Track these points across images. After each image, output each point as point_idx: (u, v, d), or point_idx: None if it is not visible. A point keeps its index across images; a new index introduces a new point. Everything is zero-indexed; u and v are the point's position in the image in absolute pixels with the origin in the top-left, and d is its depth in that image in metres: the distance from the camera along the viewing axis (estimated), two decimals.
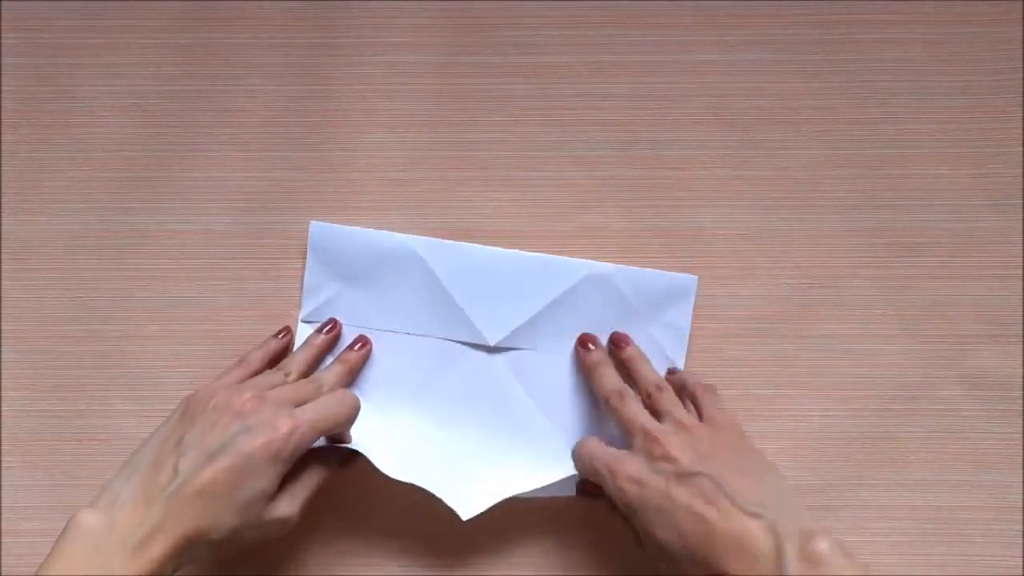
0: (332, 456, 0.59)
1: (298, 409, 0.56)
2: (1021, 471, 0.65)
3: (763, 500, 0.53)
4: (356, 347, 0.64)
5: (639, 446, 0.56)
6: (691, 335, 0.65)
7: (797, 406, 0.65)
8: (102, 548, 0.50)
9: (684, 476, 0.54)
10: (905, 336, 0.66)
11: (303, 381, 0.60)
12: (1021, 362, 0.65)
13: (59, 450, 0.65)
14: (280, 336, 0.64)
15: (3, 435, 0.65)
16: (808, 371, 0.65)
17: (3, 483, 0.65)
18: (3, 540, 0.64)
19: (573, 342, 0.65)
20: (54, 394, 0.65)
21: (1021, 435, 0.65)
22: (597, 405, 0.64)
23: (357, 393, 0.61)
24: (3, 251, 0.66)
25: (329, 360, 0.65)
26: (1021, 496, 0.65)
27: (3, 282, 0.66)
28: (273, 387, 0.58)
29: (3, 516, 0.64)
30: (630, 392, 0.60)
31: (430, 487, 0.59)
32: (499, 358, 0.65)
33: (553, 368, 0.65)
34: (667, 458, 0.55)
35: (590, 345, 0.64)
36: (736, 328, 0.66)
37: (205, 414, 0.55)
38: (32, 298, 0.66)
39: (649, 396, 0.60)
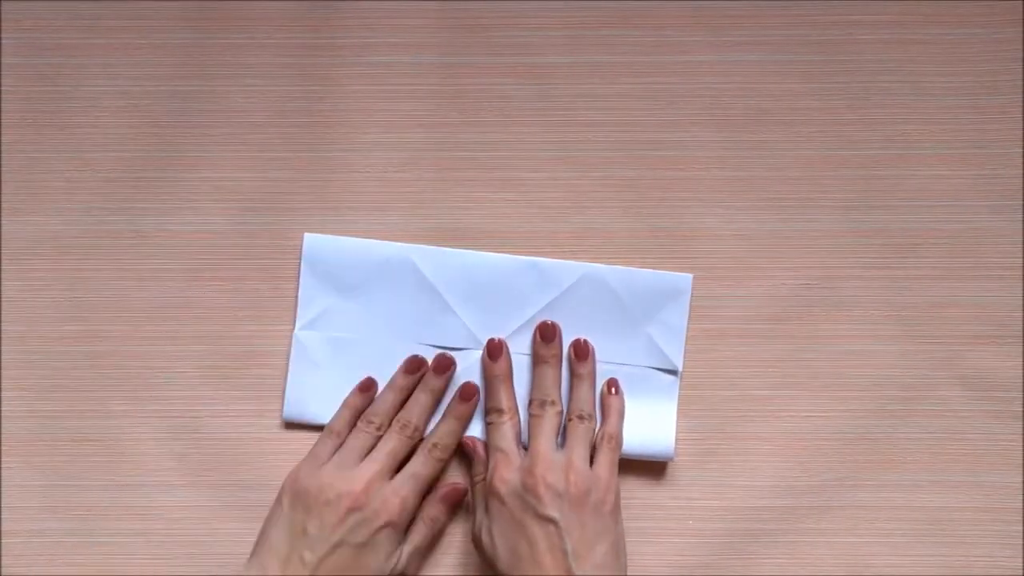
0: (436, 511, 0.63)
1: (400, 482, 0.61)
2: (1020, 472, 0.65)
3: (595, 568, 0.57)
4: (467, 399, 0.64)
5: (525, 467, 0.60)
6: (688, 336, 0.65)
7: (794, 406, 0.65)
8: None
9: (541, 516, 0.58)
10: (903, 337, 0.65)
11: (402, 443, 0.63)
12: (1019, 363, 0.65)
13: (57, 451, 0.65)
14: (365, 391, 0.64)
15: (2, 436, 0.65)
16: (805, 371, 0.65)
17: (2, 483, 0.65)
18: (3, 540, 0.64)
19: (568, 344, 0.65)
20: (52, 395, 0.65)
21: (1020, 436, 0.65)
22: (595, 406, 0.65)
23: None
24: (2, 251, 0.66)
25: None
26: (1020, 497, 0.65)
27: (2, 282, 0.66)
28: (366, 452, 0.62)
29: (2, 516, 0.65)
30: (556, 407, 0.63)
31: None
32: None
33: None
34: (535, 493, 0.58)
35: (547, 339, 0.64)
36: (734, 328, 0.66)
37: (320, 507, 0.59)
38: (30, 298, 0.66)
39: (570, 420, 0.62)
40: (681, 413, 0.65)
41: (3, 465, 0.65)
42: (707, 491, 0.65)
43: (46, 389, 0.65)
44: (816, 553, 0.64)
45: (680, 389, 0.65)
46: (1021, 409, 0.65)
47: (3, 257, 0.66)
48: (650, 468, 0.65)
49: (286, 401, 0.65)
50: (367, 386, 0.64)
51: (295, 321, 0.65)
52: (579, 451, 0.61)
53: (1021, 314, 0.65)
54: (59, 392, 0.65)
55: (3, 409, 0.65)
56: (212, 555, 0.64)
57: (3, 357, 0.66)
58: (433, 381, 0.64)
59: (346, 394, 0.65)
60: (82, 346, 0.66)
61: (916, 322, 0.66)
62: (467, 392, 0.64)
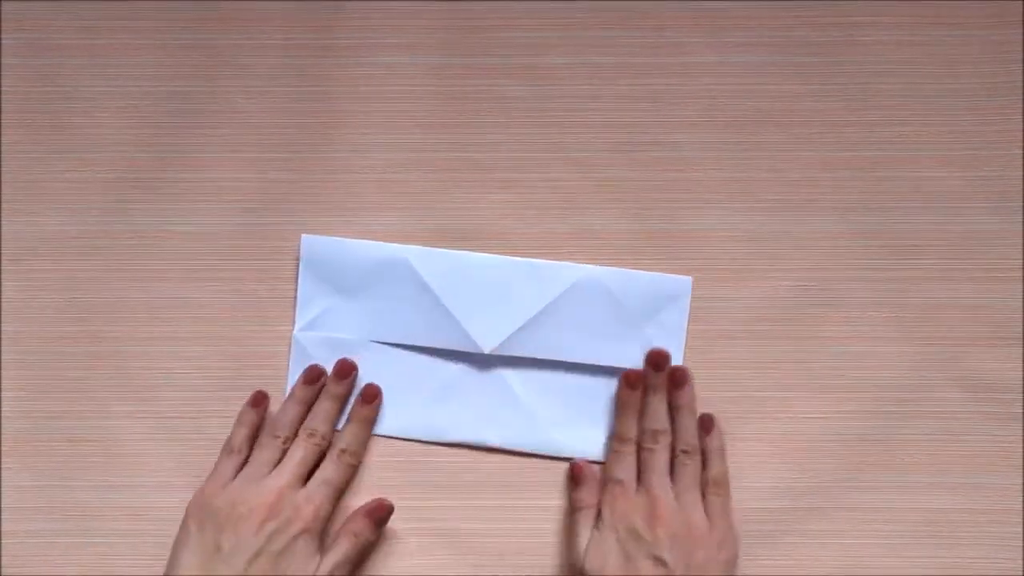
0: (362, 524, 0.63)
1: (313, 488, 0.61)
2: (1019, 474, 0.65)
3: None
4: (369, 401, 0.64)
5: (643, 505, 0.60)
6: (687, 337, 0.65)
7: (792, 408, 0.65)
8: None
9: (655, 558, 0.59)
10: (901, 338, 0.65)
11: (310, 451, 0.62)
12: (1019, 365, 0.65)
13: (55, 451, 0.65)
14: (257, 406, 0.64)
15: (1, 436, 0.65)
16: (803, 373, 0.65)
17: (1, 484, 0.65)
18: (1, 541, 0.65)
19: (567, 346, 0.64)
20: (51, 395, 0.65)
21: (1020, 438, 0.65)
22: (593, 406, 0.65)
23: (351, 405, 0.65)
24: (1, 252, 0.66)
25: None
26: (1020, 499, 0.65)
27: (1, 283, 0.66)
28: (274, 464, 0.62)
29: (1, 517, 0.65)
30: (668, 437, 0.63)
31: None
32: (494, 365, 0.65)
33: (548, 373, 0.65)
34: (653, 535, 0.59)
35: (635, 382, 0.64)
36: (732, 330, 0.65)
37: (234, 522, 0.59)
38: (29, 299, 0.66)
39: (675, 456, 0.62)
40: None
41: (2, 465, 0.65)
42: None
43: (45, 389, 0.65)
44: (815, 554, 0.64)
45: None
46: (1021, 411, 0.65)
47: (2, 257, 0.66)
48: None
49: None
50: (259, 400, 0.64)
51: (294, 322, 0.66)
52: (694, 495, 0.61)
53: (1021, 316, 0.65)
54: (58, 392, 0.65)
55: (2, 409, 0.65)
56: None
57: (2, 357, 0.66)
58: (335, 387, 0.64)
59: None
60: (81, 346, 0.66)
61: (915, 324, 0.65)
62: (369, 394, 0.64)
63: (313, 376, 0.64)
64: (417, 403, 0.65)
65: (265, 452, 0.62)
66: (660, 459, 0.62)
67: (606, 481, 0.62)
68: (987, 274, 0.65)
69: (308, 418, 0.64)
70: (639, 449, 0.63)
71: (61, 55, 0.67)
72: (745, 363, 0.65)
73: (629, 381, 0.63)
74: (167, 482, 0.65)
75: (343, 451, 0.63)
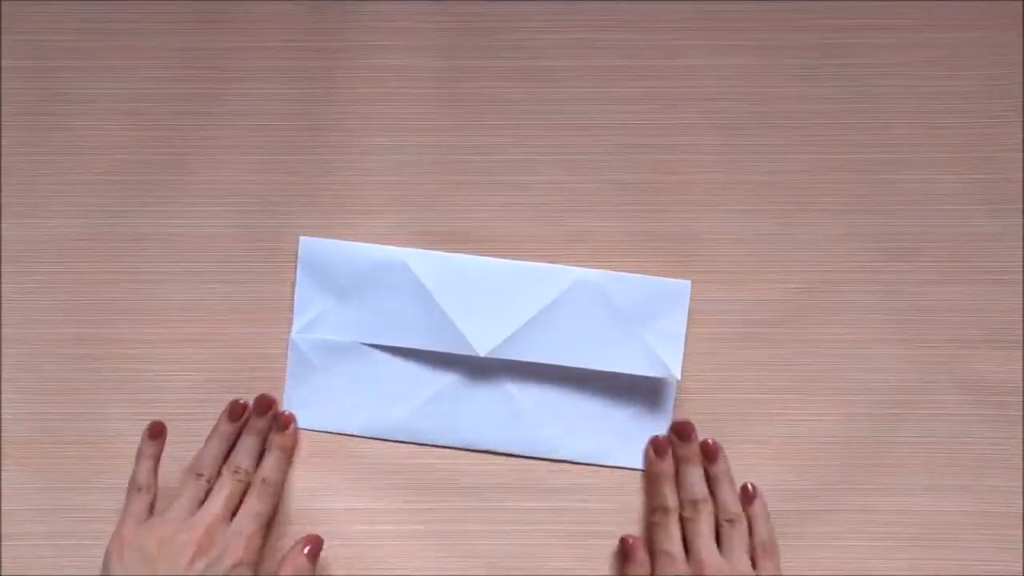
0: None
1: (242, 523, 0.60)
2: (1018, 476, 0.65)
3: None
4: (287, 429, 0.64)
5: (692, 573, 0.60)
6: (685, 339, 0.65)
7: (792, 410, 0.65)
8: None
9: None
10: (900, 340, 0.65)
11: (237, 488, 0.62)
12: (1018, 367, 0.65)
13: (54, 453, 0.65)
14: (155, 437, 0.62)
15: (1, 438, 0.65)
16: (803, 375, 0.65)
17: (1, 485, 0.65)
18: (1, 543, 0.65)
19: (564, 350, 0.64)
20: (50, 397, 0.65)
21: (1019, 440, 0.65)
22: (590, 411, 0.65)
23: (348, 407, 0.65)
24: (1, 253, 0.66)
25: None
26: (1019, 501, 0.65)
27: (1, 284, 0.66)
28: (200, 503, 0.61)
29: (1, 518, 0.65)
30: (709, 505, 0.62)
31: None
32: (491, 368, 0.65)
33: (545, 376, 0.65)
34: None
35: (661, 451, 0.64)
36: (731, 332, 0.65)
37: (165, 558, 0.58)
38: (29, 300, 0.66)
39: (720, 525, 0.62)
40: (678, 417, 0.65)
41: (2, 467, 0.65)
42: None
43: (45, 391, 0.66)
44: (814, 556, 0.64)
45: (677, 392, 0.65)
46: (1019, 413, 0.65)
47: (3, 259, 0.66)
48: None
49: (283, 404, 0.65)
50: (158, 432, 0.62)
51: (292, 324, 0.66)
52: (741, 558, 0.61)
53: (1020, 318, 0.65)
54: (57, 394, 0.66)
55: (2, 410, 0.66)
56: None
57: (3, 359, 0.66)
58: (257, 422, 0.64)
59: (343, 397, 0.65)
60: (80, 348, 0.66)
61: (913, 326, 0.65)
62: (284, 422, 0.64)
63: (237, 413, 0.64)
64: (413, 406, 0.65)
65: (189, 491, 0.61)
66: (704, 527, 0.62)
67: (655, 554, 0.62)
68: (986, 276, 0.65)
69: (232, 455, 0.63)
70: (682, 519, 0.63)
71: (61, 56, 0.67)
72: (744, 366, 0.65)
73: (657, 450, 0.64)
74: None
75: (264, 481, 0.62)
